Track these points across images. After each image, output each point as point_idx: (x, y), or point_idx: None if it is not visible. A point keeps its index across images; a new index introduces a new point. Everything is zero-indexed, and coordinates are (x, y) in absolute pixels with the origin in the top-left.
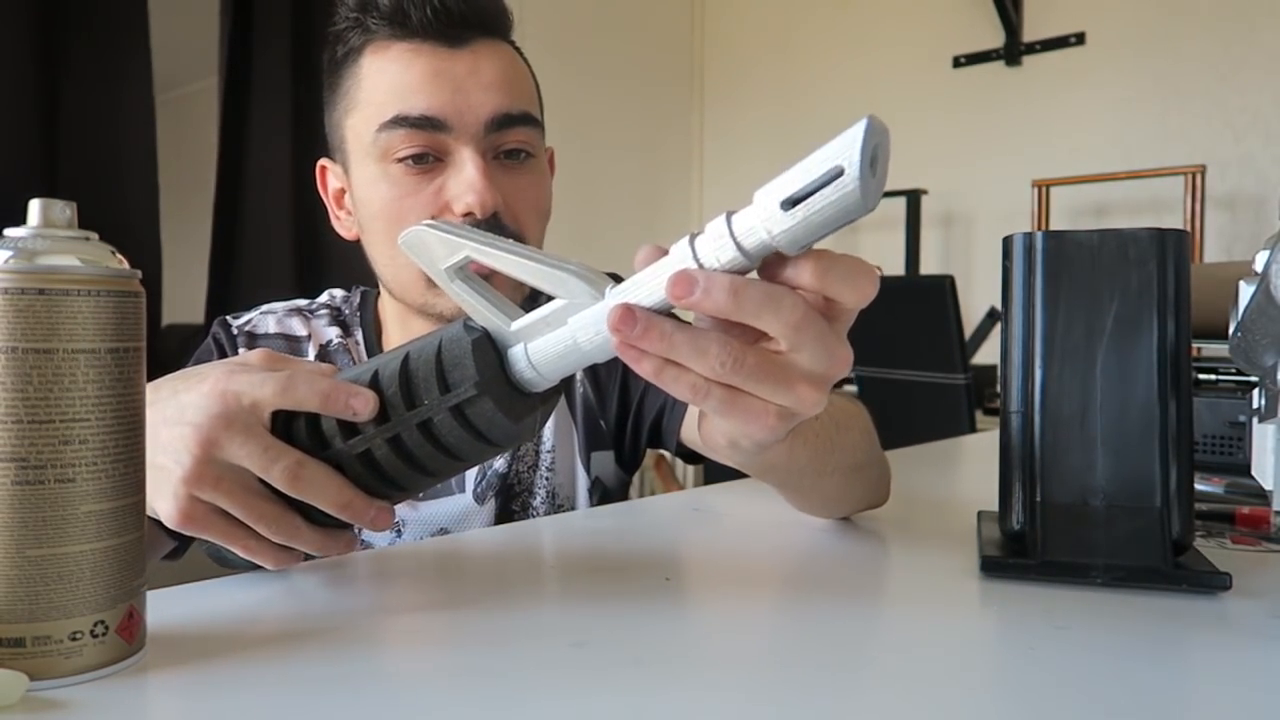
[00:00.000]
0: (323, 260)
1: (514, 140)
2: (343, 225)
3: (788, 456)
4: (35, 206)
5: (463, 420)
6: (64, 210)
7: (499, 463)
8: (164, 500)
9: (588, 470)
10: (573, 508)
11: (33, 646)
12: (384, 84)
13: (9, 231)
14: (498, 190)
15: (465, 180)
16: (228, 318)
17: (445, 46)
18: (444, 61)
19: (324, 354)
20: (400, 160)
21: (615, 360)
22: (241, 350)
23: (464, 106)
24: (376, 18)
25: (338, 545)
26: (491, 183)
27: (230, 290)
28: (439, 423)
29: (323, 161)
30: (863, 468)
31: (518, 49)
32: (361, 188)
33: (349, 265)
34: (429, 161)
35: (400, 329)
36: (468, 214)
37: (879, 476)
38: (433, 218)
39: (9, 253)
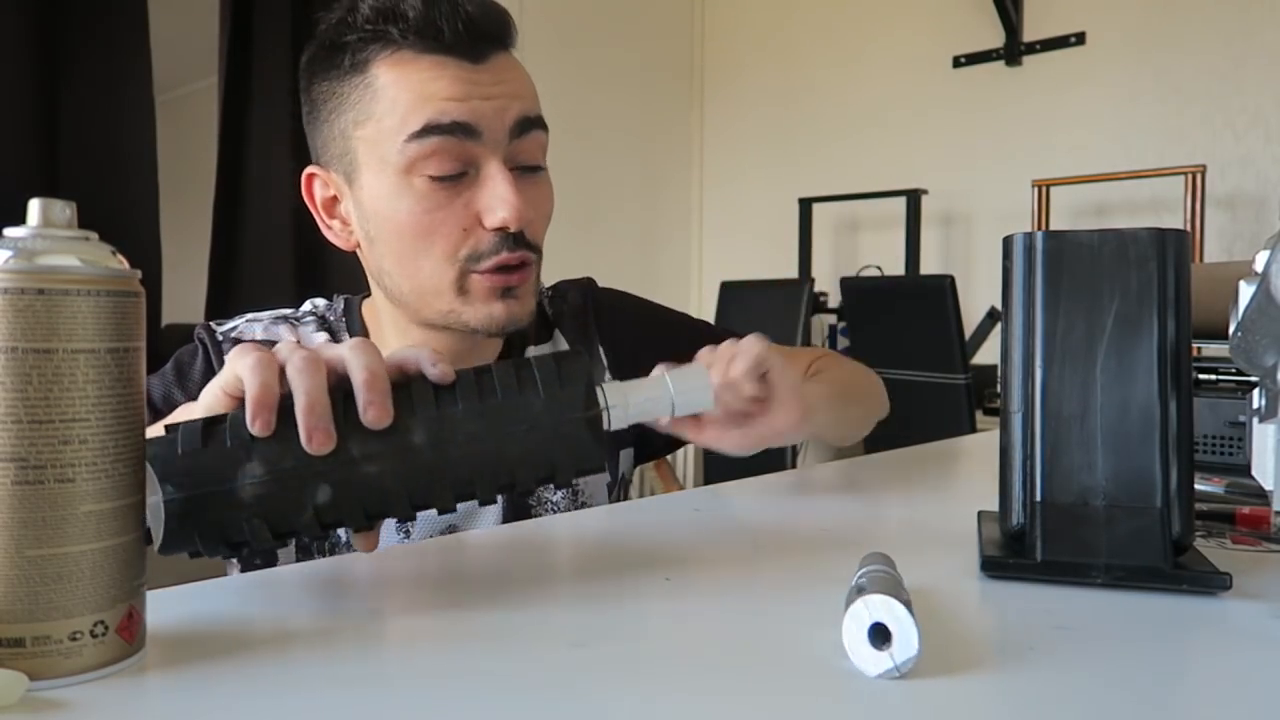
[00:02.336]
0: (322, 260)
1: (530, 149)
2: (336, 235)
3: (824, 425)
4: (35, 206)
5: (552, 433)
6: (64, 210)
7: None
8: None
9: (614, 468)
10: (591, 503)
11: (33, 646)
12: (408, 96)
13: (9, 231)
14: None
15: (498, 194)
16: (211, 324)
17: (469, 61)
18: (471, 74)
19: None
20: (430, 176)
21: (639, 361)
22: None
23: (491, 113)
24: (403, 29)
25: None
26: (523, 196)
27: (230, 290)
28: (527, 431)
29: (310, 170)
30: (865, 398)
31: None
32: (377, 200)
33: (349, 267)
34: (453, 175)
35: (398, 337)
36: (501, 228)
37: (877, 394)
38: (464, 229)
39: (9, 253)
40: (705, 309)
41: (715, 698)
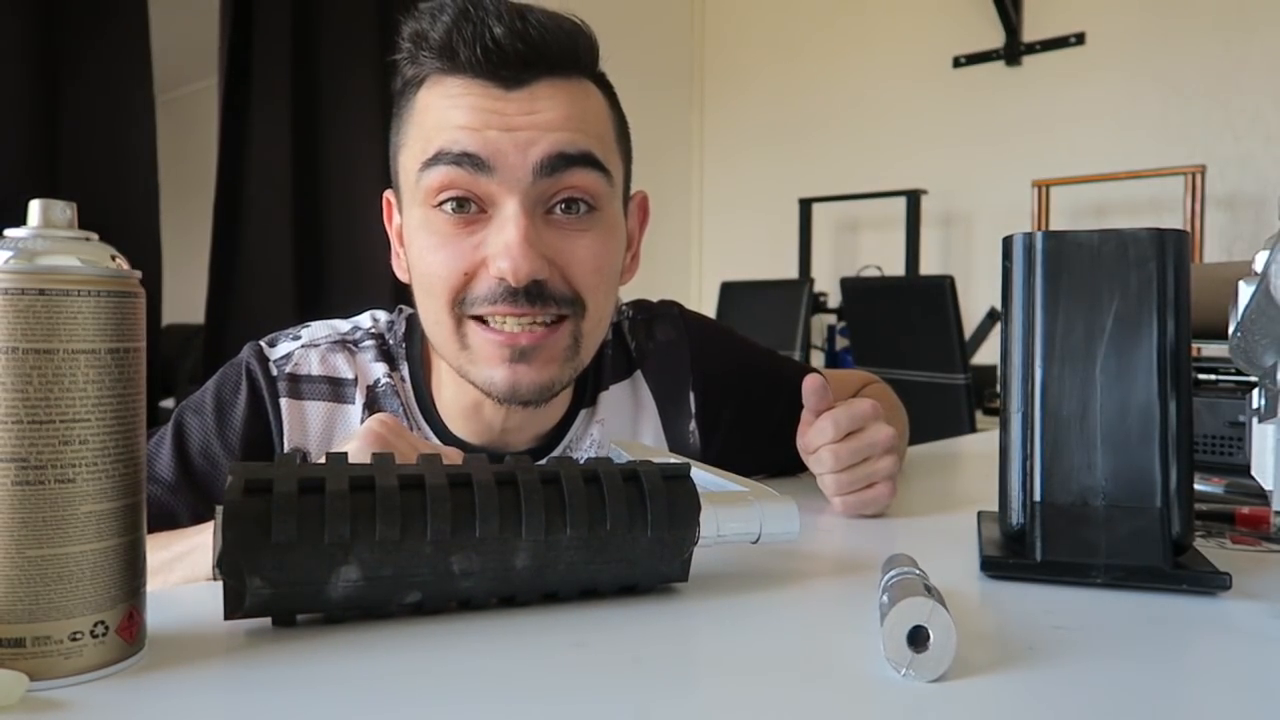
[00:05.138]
0: (323, 260)
1: (569, 187)
2: (399, 265)
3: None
4: (35, 207)
5: (653, 547)
6: (64, 210)
7: None
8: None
9: None
10: None
11: (33, 646)
12: (430, 120)
13: (9, 232)
14: (542, 253)
15: (502, 241)
16: (262, 346)
17: (499, 86)
18: (495, 101)
19: (372, 396)
20: (439, 205)
21: (724, 406)
22: (284, 401)
23: (510, 147)
24: (427, 51)
25: None
26: (533, 246)
27: (230, 290)
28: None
29: (388, 194)
30: (906, 429)
31: (604, 82)
32: (408, 232)
33: (349, 267)
34: (470, 210)
35: (453, 383)
36: (501, 278)
37: (905, 417)
38: (465, 274)
39: (9, 253)
40: (705, 309)
41: (715, 697)
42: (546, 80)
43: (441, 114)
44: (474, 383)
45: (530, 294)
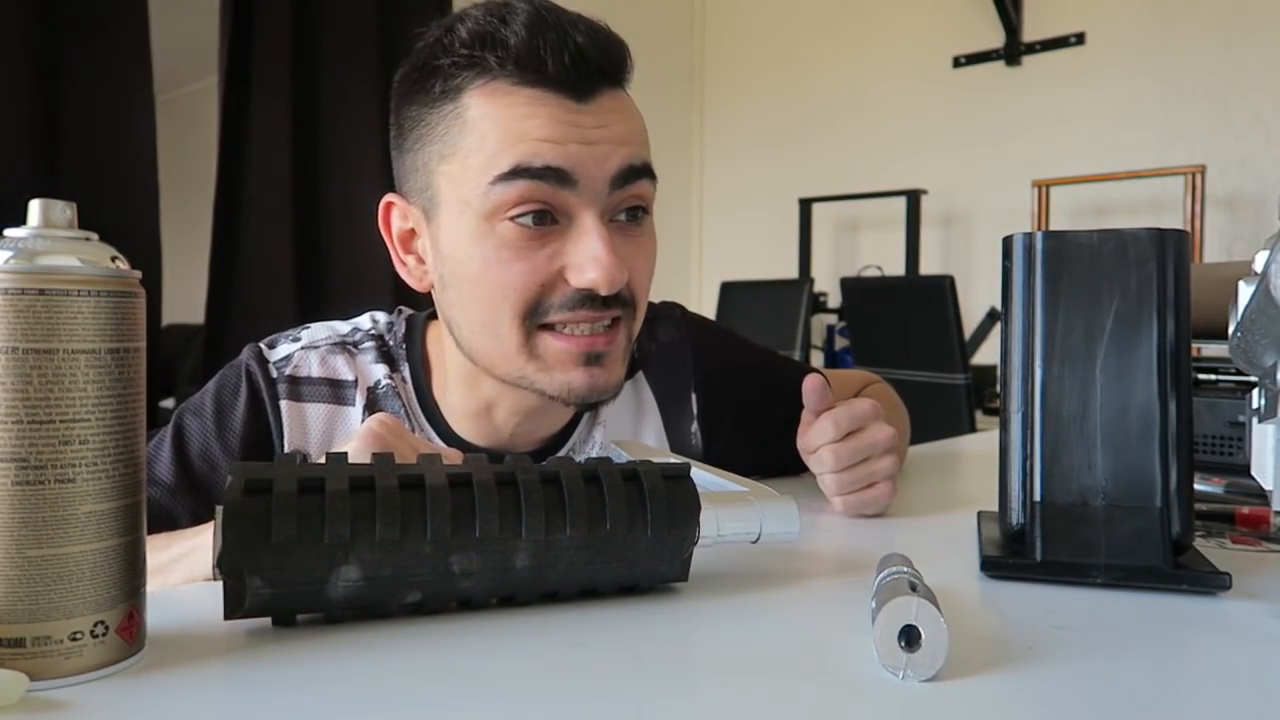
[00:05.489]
0: (323, 260)
1: (633, 196)
2: (410, 273)
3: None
4: (35, 207)
5: (654, 549)
6: (64, 211)
7: None
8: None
9: None
10: None
11: (33, 646)
12: (499, 132)
13: (9, 232)
14: (622, 260)
15: (588, 252)
16: (262, 348)
17: (573, 99)
18: (572, 114)
19: (372, 397)
20: (515, 218)
21: (725, 408)
22: (284, 403)
23: (590, 160)
24: (501, 57)
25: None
26: (617, 255)
27: (230, 290)
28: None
29: (390, 197)
30: (905, 443)
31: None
32: (455, 244)
33: (349, 267)
34: (547, 222)
35: (463, 386)
36: (585, 288)
37: (906, 416)
38: (541, 285)
39: (9, 253)
40: (705, 309)
41: (715, 697)
42: (608, 92)
43: (512, 125)
44: (543, 390)
45: (607, 299)
